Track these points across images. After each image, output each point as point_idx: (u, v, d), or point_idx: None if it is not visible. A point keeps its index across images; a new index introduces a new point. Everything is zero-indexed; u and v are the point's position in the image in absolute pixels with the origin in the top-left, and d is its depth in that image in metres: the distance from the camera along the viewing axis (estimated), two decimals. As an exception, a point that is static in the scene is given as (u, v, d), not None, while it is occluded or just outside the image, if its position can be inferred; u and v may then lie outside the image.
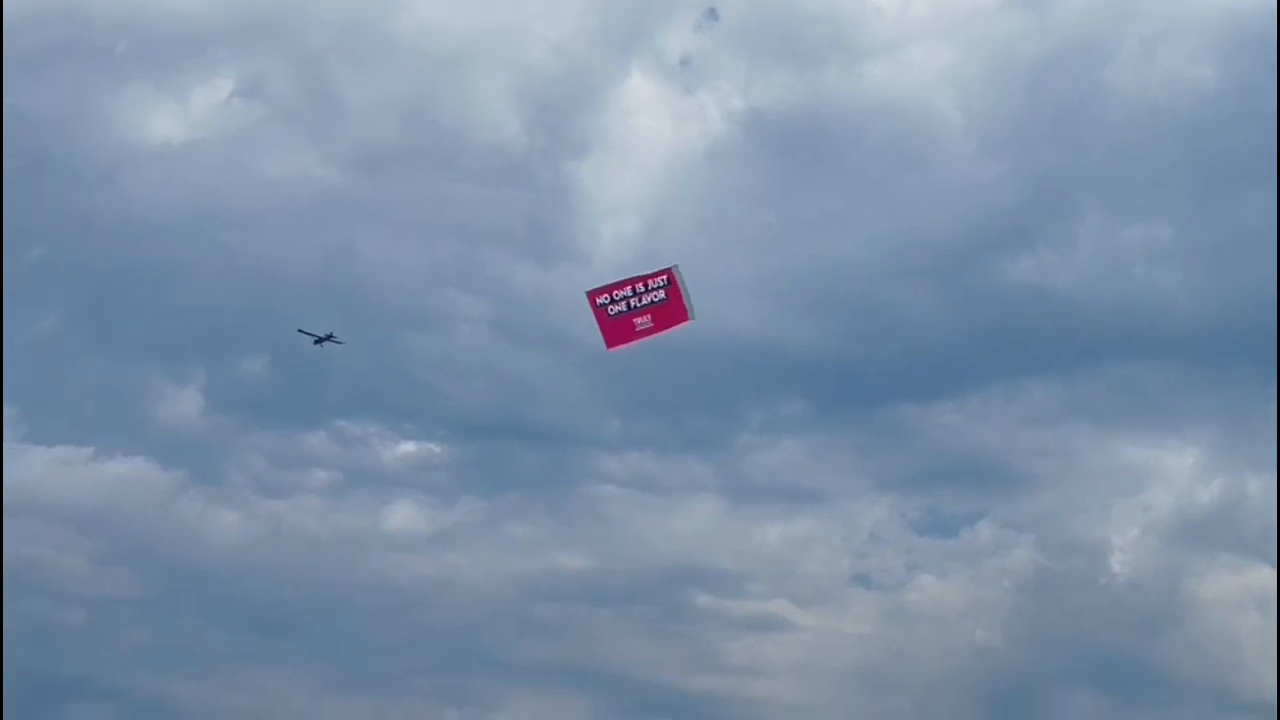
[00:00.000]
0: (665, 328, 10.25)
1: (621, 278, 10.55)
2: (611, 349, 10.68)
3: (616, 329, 10.29)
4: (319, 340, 21.37)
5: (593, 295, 10.87)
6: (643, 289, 10.34)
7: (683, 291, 10.57)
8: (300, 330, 21.16)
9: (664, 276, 10.56)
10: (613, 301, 10.48)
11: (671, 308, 10.30)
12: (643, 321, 10.44)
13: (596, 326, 10.56)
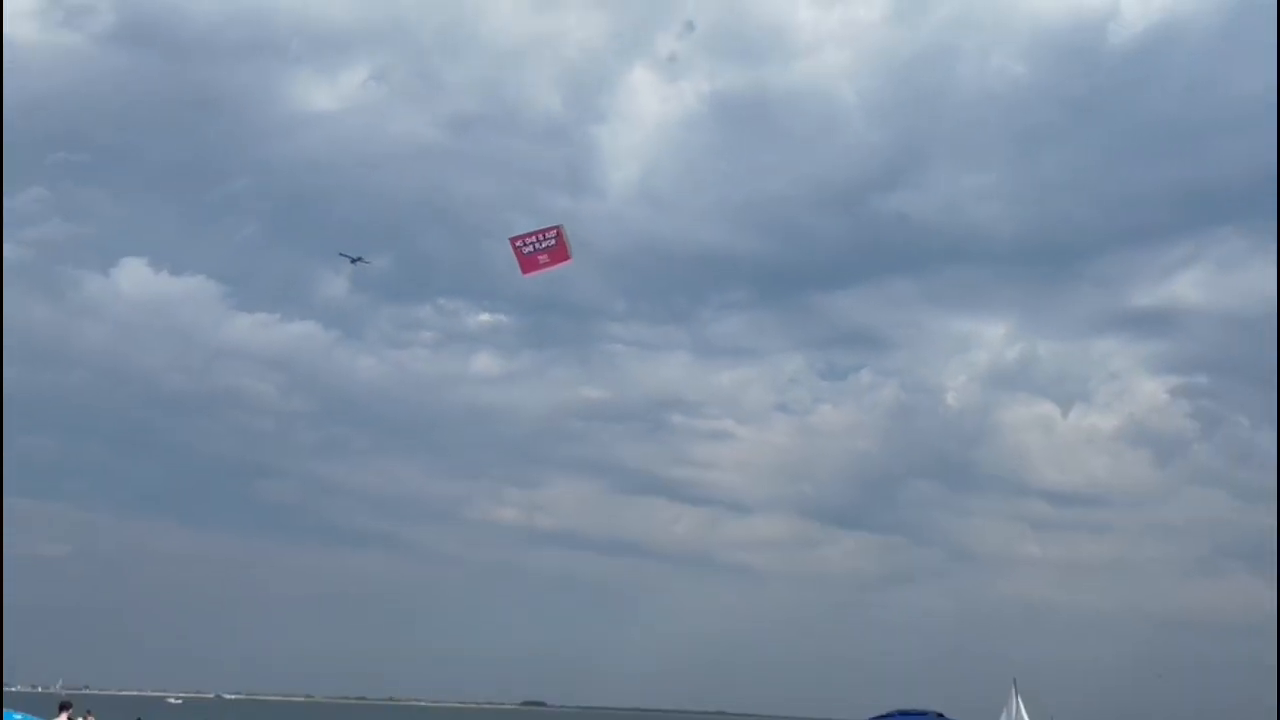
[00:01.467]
0: (556, 264, 13.54)
1: (544, 226, 13.58)
2: (525, 275, 13.61)
3: (527, 263, 13.42)
4: (354, 260, 24.62)
5: (513, 240, 13.84)
6: (543, 239, 13.27)
7: (566, 242, 13.70)
8: (341, 253, 23.09)
9: (555, 232, 13.61)
10: (525, 244, 13.66)
11: (559, 250, 13.59)
12: (543, 259, 13.56)
13: (514, 258, 13.69)
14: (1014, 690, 66.21)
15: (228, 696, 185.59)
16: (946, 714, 10.46)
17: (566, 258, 13.69)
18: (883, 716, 9.96)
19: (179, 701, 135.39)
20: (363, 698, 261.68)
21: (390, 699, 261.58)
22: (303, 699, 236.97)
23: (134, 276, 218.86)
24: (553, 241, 13.39)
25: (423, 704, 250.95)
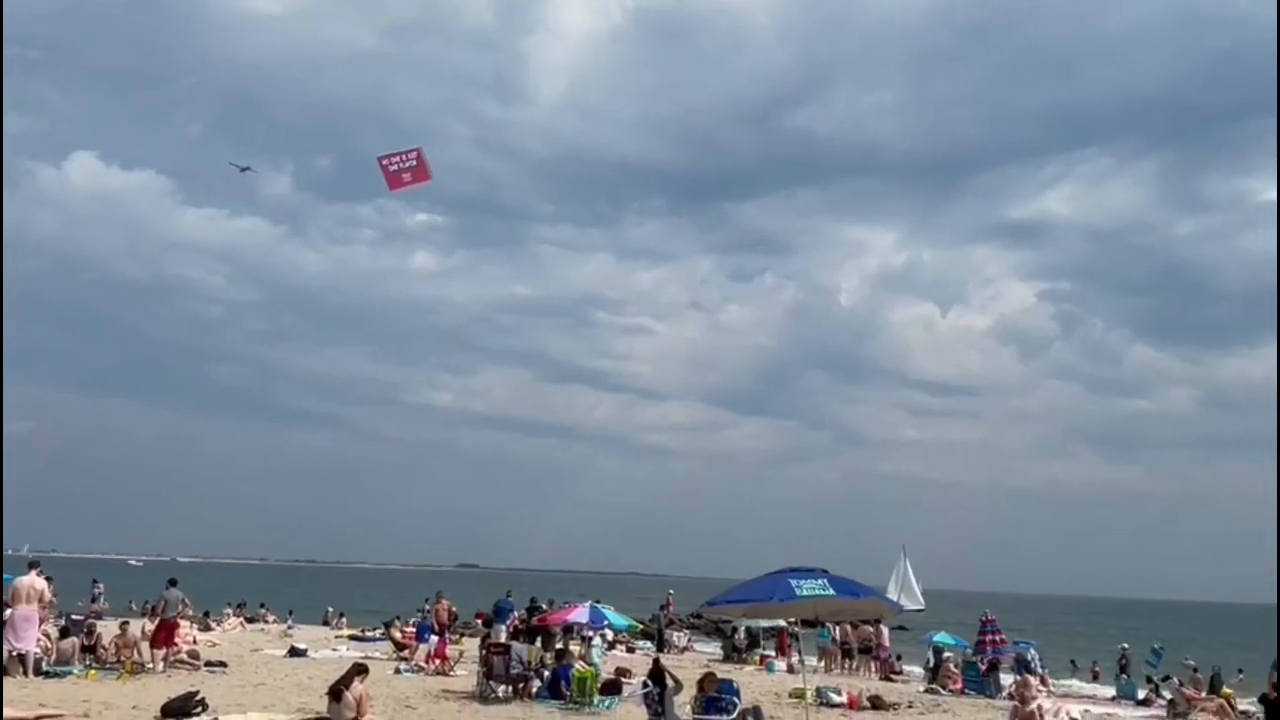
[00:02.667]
0: (418, 182, 14.60)
1: (410, 146, 14.64)
2: (392, 190, 14.63)
3: (393, 180, 14.41)
4: (242, 169, 24.91)
5: (381, 159, 14.51)
6: (405, 159, 14.36)
7: (426, 163, 14.52)
8: (230, 163, 23.52)
9: (415, 153, 14.48)
10: (390, 164, 14.46)
11: (420, 170, 14.42)
12: (406, 178, 14.44)
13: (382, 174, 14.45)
14: (903, 554, 71.39)
15: (182, 560, 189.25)
16: (831, 571, 12.18)
17: (427, 177, 14.36)
18: (775, 573, 11.64)
19: (140, 564, 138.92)
20: (312, 560, 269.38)
21: (337, 562, 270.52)
22: (257, 562, 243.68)
23: (85, 169, 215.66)
24: (414, 162, 14.11)
25: (367, 566, 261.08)
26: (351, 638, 29.59)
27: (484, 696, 15.79)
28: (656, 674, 12.17)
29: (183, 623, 20.69)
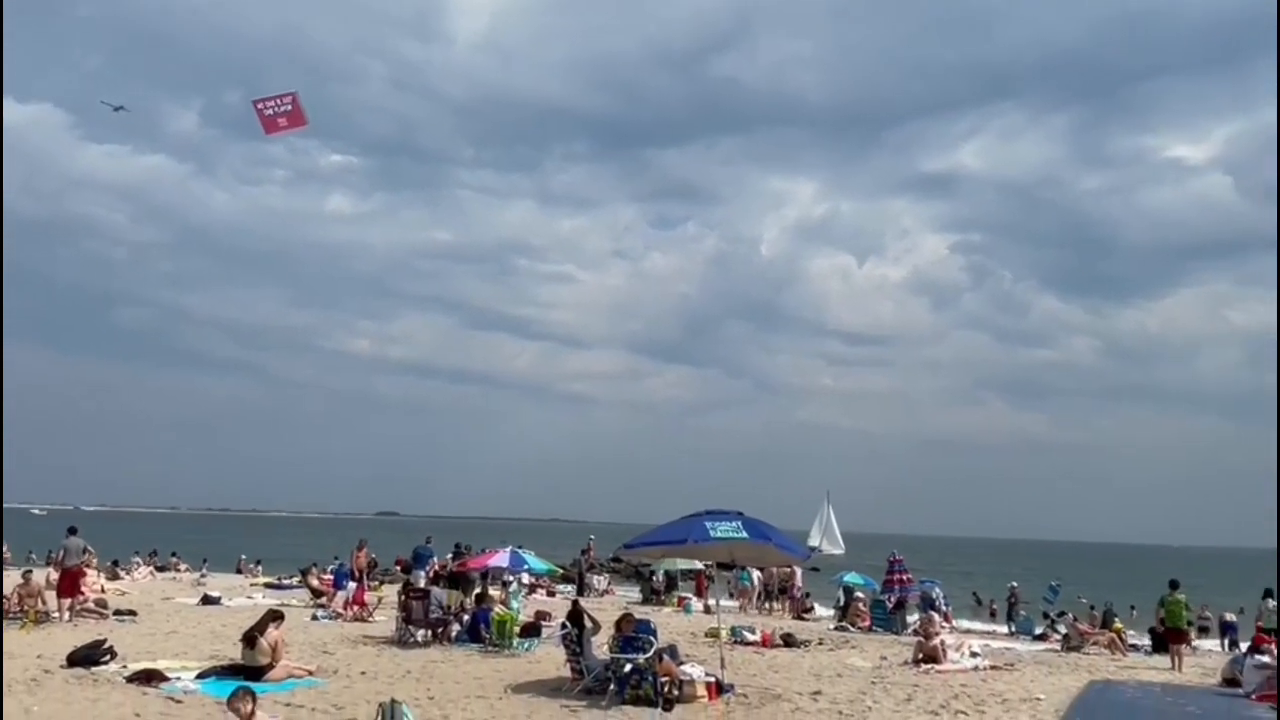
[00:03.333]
0: (294, 127, 14.44)
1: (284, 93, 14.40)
2: (267, 134, 14.38)
3: (268, 124, 14.16)
4: (115, 109, 23.47)
5: (255, 102, 14.36)
6: (281, 103, 14.20)
7: (302, 108, 14.38)
8: (103, 101, 22.18)
9: (290, 98, 14.35)
10: (266, 107, 14.24)
11: (296, 115, 14.30)
12: (282, 122, 14.24)
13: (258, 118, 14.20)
14: (826, 500, 72.98)
15: (87, 508, 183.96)
16: (746, 513, 12.42)
17: (303, 122, 14.17)
18: (691, 516, 11.78)
19: (43, 513, 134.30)
20: (225, 509, 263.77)
21: (253, 510, 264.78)
22: (167, 511, 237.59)
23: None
24: (289, 107, 13.30)
25: (284, 515, 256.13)
26: (267, 585, 29.19)
27: (402, 641, 15.77)
28: (575, 616, 12.29)
29: (89, 571, 20.13)
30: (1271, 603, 22.41)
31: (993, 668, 15.88)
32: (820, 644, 18.75)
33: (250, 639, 11.68)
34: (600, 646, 12.12)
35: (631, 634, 11.26)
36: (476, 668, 13.33)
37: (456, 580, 20.90)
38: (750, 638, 18.24)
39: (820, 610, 27.25)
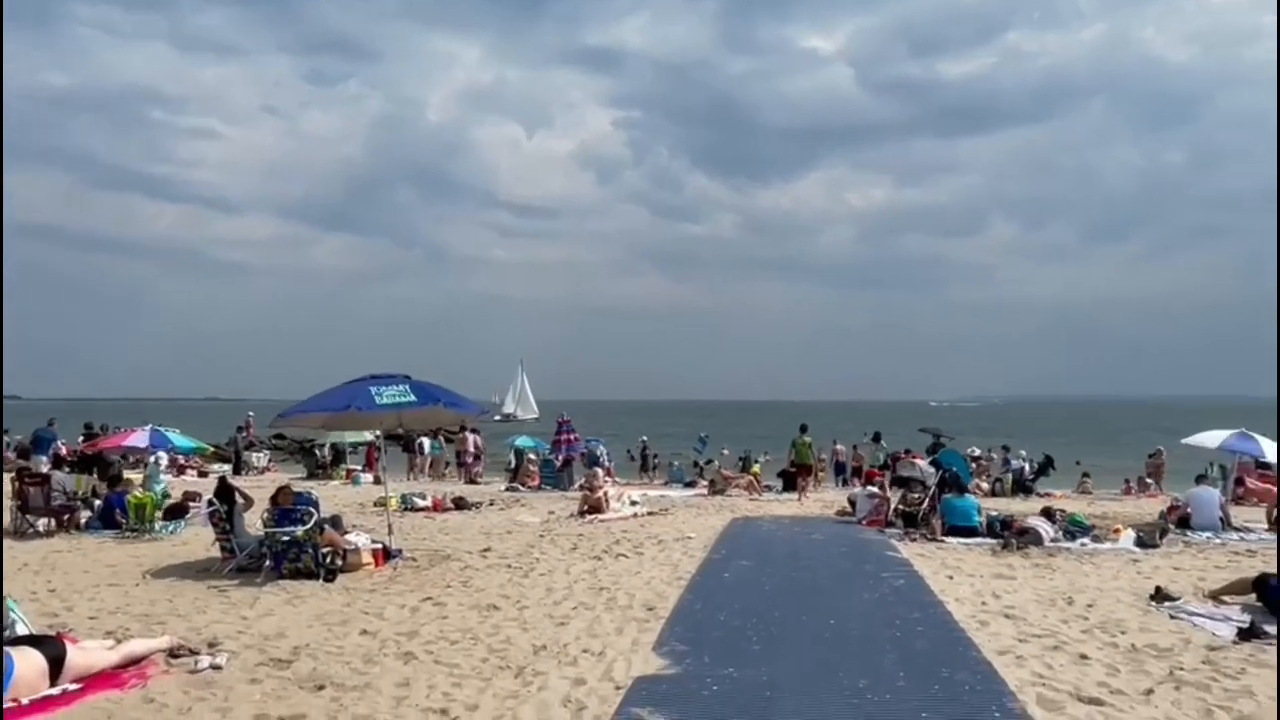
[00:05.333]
0: None
1: None
2: None
3: None
4: None
5: None
6: None
7: None
8: None
9: None
10: None
11: None
12: None
13: None
14: (520, 368, 73.61)
15: None
16: (414, 376, 12.02)
17: None
18: (354, 381, 11.08)
19: None
20: None
21: None
22: None
23: None
24: None
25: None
26: None
27: (20, 532, 13.77)
28: (223, 491, 11.26)
29: None
30: (880, 444, 25.72)
31: (650, 514, 16.84)
32: (491, 504, 18.92)
33: None
34: (254, 524, 11.24)
35: (289, 506, 10.51)
36: (110, 555, 11.93)
37: (90, 464, 18.62)
38: (421, 504, 17.98)
39: (492, 475, 27.61)
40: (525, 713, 5.64)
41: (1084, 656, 6.80)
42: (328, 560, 10.16)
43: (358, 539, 10.99)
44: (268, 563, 10.23)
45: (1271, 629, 7.23)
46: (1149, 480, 25.59)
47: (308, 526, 10.14)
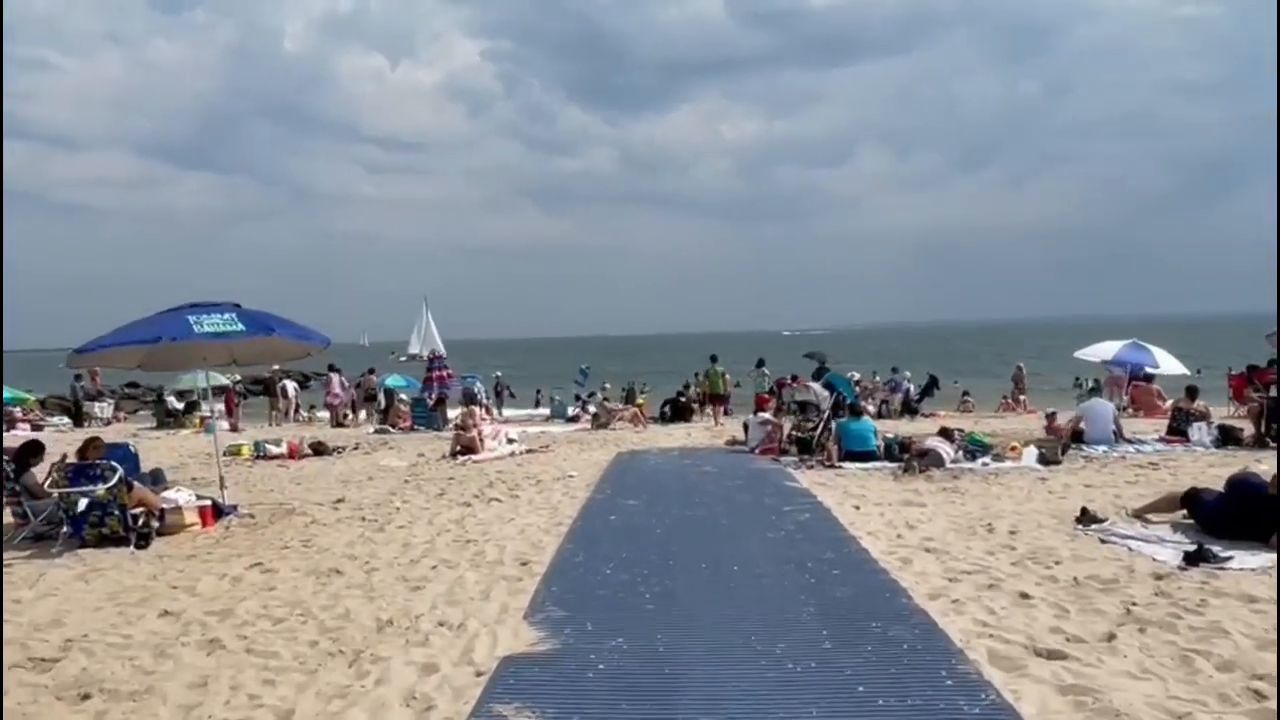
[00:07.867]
0: None
1: None
2: None
3: None
4: None
5: None
6: None
7: None
8: None
9: None
10: None
11: None
12: None
13: None
14: (424, 306, 70.59)
15: None
16: (245, 304, 10.60)
17: None
18: (170, 309, 9.43)
19: None
20: None
21: None
22: None
23: None
24: None
25: None
26: None
27: None
28: (25, 451, 9.28)
29: None
30: (765, 370, 24.95)
31: (529, 451, 15.52)
32: (356, 449, 17.21)
33: None
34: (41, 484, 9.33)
35: (87, 463, 8.68)
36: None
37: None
38: (275, 451, 16.15)
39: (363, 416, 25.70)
40: (354, 718, 4.25)
41: (1025, 596, 5.82)
42: (139, 523, 8.43)
43: (178, 495, 9.26)
44: (65, 528, 8.44)
45: (1219, 551, 6.41)
46: (1022, 396, 25.74)
47: (110, 484, 8.35)
